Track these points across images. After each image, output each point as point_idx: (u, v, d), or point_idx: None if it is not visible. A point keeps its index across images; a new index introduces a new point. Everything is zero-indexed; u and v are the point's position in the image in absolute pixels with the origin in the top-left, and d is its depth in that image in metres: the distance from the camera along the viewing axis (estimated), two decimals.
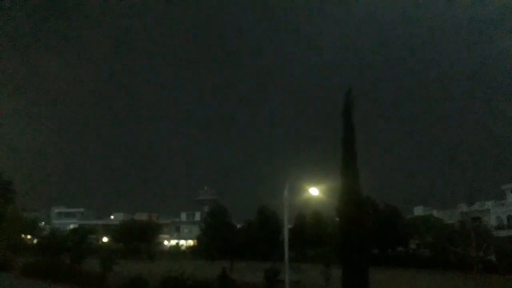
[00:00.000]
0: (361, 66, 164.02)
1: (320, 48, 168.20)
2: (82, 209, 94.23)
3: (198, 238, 64.54)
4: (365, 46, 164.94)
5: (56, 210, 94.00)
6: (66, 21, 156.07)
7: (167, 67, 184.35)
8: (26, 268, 28.21)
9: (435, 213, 59.05)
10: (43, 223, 72.95)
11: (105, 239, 73.42)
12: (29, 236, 64.32)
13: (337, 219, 16.95)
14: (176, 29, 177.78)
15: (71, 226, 72.95)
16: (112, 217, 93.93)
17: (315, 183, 17.17)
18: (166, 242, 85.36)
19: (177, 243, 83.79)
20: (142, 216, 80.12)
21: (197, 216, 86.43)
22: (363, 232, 16.02)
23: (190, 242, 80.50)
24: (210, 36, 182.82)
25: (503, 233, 44.69)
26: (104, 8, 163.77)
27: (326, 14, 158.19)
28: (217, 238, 39.56)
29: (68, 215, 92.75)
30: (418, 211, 67.42)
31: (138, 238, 63.72)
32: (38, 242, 51.62)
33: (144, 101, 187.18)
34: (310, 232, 50.62)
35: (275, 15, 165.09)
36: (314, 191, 17.20)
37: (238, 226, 58.79)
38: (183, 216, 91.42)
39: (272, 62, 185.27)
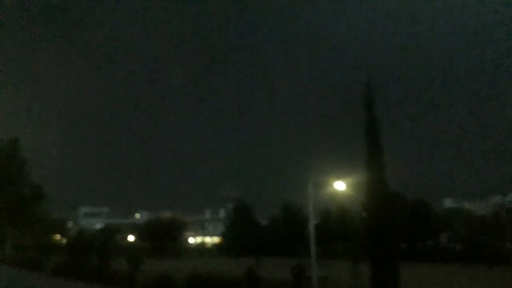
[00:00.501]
0: (383, 57, 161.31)
1: (341, 40, 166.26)
2: (107, 209, 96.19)
3: (223, 235, 64.96)
4: (384, 39, 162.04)
5: (83, 210, 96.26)
6: (68, 21, 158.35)
7: (190, 60, 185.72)
8: (56, 268, 28.71)
9: (466, 205, 57.36)
10: (71, 223, 74.68)
11: (131, 238, 74.56)
12: (58, 236, 65.94)
13: (364, 213, 16.64)
14: (193, 23, 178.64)
15: (97, 226, 74.48)
16: (136, 215, 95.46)
17: (341, 177, 16.80)
18: (191, 240, 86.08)
19: (202, 241, 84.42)
20: (166, 214, 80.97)
21: (221, 213, 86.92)
22: (390, 227, 15.51)
23: (215, 239, 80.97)
24: (231, 28, 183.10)
25: None
26: (106, 7, 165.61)
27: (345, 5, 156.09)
28: (242, 235, 39.64)
29: (94, 215, 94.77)
30: (448, 203, 65.71)
31: (163, 236, 64.39)
32: (67, 242, 52.82)
33: (165, 98, 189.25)
34: (336, 228, 49.97)
35: (293, 8, 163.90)
36: (339, 185, 16.83)
37: (263, 222, 58.87)
38: (207, 213, 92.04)
39: (292, 54, 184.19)
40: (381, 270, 14.81)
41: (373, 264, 15.05)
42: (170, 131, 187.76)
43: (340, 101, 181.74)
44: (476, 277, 27.83)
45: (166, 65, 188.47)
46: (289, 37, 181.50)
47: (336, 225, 51.38)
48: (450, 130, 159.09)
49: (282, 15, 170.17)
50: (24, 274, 29.95)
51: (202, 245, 78.98)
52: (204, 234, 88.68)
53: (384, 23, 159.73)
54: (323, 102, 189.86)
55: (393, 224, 16.01)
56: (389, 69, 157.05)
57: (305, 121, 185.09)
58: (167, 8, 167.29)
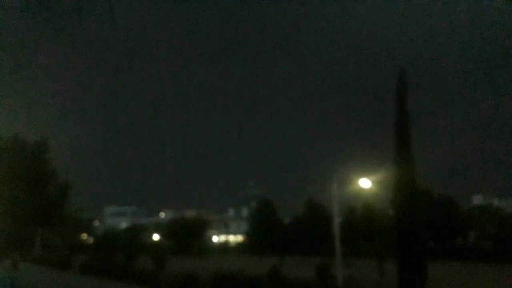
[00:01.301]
0: (416, 48, 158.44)
1: (368, 34, 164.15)
2: (133, 208, 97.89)
3: (246, 234, 65.08)
4: (416, 32, 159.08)
5: (109, 210, 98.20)
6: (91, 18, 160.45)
7: (208, 60, 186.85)
8: (83, 266, 29.29)
9: (496, 202, 55.66)
10: (97, 222, 76.23)
11: (155, 237, 75.49)
12: (85, 235, 67.40)
13: (390, 211, 16.23)
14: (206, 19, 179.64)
15: (123, 225, 75.82)
16: (162, 214, 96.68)
17: (367, 173, 16.50)
18: (214, 238, 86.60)
19: (226, 239, 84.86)
20: (191, 213, 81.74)
21: (245, 212, 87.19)
22: (419, 225, 15.10)
23: (239, 238, 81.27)
24: (251, 23, 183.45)
25: None
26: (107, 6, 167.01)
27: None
28: (266, 234, 39.51)
29: (120, 214, 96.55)
30: (478, 200, 63.95)
31: (187, 235, 65.01)
32: (93, 241, 53.90)
33: (190, 97, 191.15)
34: (362, 226, 49.45)
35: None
36: (365, 183, 16.56)
37: (286, 220, 58.62)
38: (231, 212, 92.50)
39: (317, 49, 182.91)
40: (408, 268, 14.45)
41: (401, 262, 14.71)
42: (195, 131, 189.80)
43: (368, 94, 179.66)
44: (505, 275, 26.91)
45: (184, 66, 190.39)
46: (314, 26, 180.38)
47: (362, 223, 50.79)
48: (480, 127, 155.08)
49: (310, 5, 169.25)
50: (52, 272, 30.68)
51: (225, 243, 79.37)
52: (228, 233, 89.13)
53: (416, 15, 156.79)
54: (350, 96, 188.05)
55: (421, 222, 15.63)
56: (421, 61, 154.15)
57: (331, 116, 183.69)
58: (169, 6, 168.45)
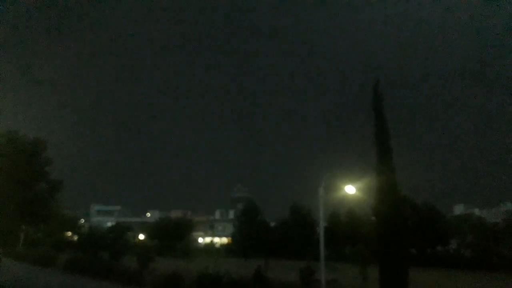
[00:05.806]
0: (396, 60, 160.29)
1: (352, 42, 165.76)
2: (119, 207, 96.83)
3: (232, 236, 64.97)
4: (397, 41, 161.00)
5: (95, 208, 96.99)
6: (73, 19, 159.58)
7: (199, 63, 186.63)
8: (67, 264, 28.98)
9: (477, 211, 56.40)
10: (82, 220, 75.32)
11: (141, 236, 74.96)
12: (69, 233, 66.56)
13: (373, 217, 16.35)
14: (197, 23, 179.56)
15: (109, 224, 75.12)
16: (148, 214, 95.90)
17: (352, 180, 16.70)
18: (200, 240, 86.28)
19: (211, 241, 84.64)
20: (177, 214, 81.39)
21: (231, 214, 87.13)
22: (400, 231, 15.25)
23: (224, 240, 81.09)
24: (238, 29, 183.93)
25: None
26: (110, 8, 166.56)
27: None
28: (251, 236, 39.55)
29: (106, 213, 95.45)
30: (459, 209, 64.84)
31: (173, 235, 64.63)
32: (78, 239, 53.33)
33: (179, 100, 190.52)
34: (345, 231, 49.87)
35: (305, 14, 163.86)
36: (350, 189, 16.76)
37: (272, 223, 58.64)
38: (217, 214, 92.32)
39: (306, 56, 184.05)
40: (390, 274, 14.63)
41: (383, 267, 14.90)
42: (184, 134, 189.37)
43: (351, 103, 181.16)
44: (485, 285, 27.47)
45: (174, 69, 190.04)
46: (297, 37, 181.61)
47: (345, 228, 51.20)
48: (462, 137, 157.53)
49: (290, 17, 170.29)
50: (36, 270, 30.33)
51: (211, 245, 79.20)
52: (214, 235, 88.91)
53: (395, 27, 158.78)
54: (334, 105, 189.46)
55: (403, 229, 15.73)
56: (402, 73, 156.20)
57: (317, 124, 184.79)
58: (168, 9, 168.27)
